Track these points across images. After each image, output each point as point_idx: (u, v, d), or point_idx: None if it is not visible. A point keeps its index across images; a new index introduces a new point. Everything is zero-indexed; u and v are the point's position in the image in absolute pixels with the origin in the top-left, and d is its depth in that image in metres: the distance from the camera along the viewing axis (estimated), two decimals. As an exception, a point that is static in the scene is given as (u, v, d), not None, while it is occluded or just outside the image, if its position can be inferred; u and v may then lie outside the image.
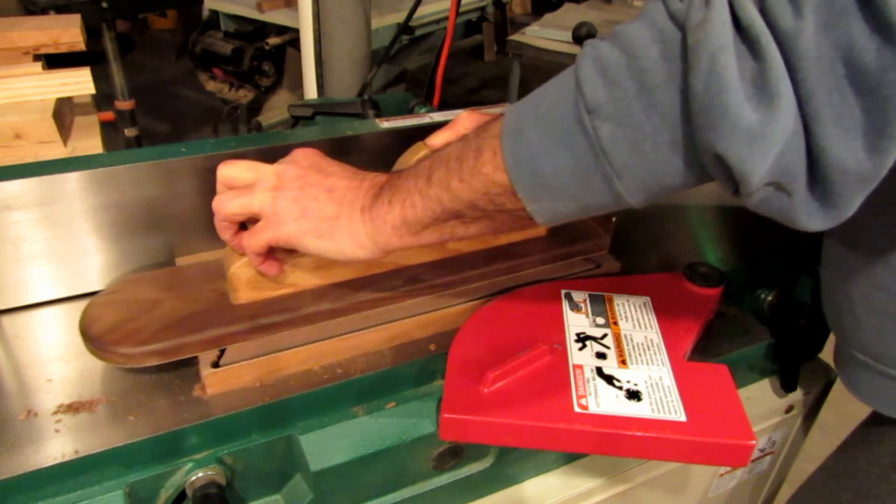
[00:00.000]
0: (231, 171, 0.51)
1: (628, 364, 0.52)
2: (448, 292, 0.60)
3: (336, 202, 0.49)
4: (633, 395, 0.49)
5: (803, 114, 0.33)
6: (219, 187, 0.52)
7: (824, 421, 0.81)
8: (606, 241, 0.68)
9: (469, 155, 0.44)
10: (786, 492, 0.89)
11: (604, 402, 0.48)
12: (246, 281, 0.55)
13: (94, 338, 0.52)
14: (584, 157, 0.39)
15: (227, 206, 0.51)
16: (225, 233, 0.53)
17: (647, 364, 0.52)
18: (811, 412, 0.78)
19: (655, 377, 0.50)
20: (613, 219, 0.66)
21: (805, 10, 0.31)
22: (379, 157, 0.66)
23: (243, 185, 0.51)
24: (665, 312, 0.58)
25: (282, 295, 0.56)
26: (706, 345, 0.62)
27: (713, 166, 0.36)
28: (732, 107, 0.33)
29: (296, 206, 0.49)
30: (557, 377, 0.50)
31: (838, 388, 0.65)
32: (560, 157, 0.40)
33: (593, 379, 0.50)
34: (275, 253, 0.54)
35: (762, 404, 0.70)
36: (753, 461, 0.77)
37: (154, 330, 0.52)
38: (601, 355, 0.53)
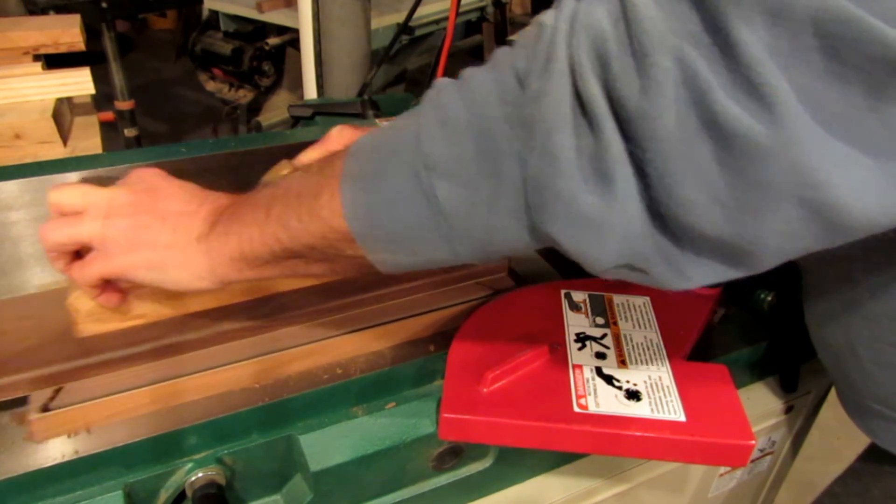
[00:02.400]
0: (60, 197, 0.47)
1: (628, 364, 0.52)
2: (324, 321, 0.55)
3: (170, 230, 0.45)
4: (633, 395, 0.49)
5: (654, 196, 0.30)
6: (51, 213, 0.48)
7: (824, 421, 0.81)
8: (504, 264, 0.63)
9: (308, 193, 0.41)
10: (786, 492, 0.89)
11: (603, 402, 0.48)
12: (86, 313, 0.49)
13: None
14: (420, 214, 0.37)
15: (52, 235, 0.46)
16: (56, 263, 0.48)
17: (647, 364, 0.52)
18: (811, 412, 0.78)
19: (655, 377, 0.50)
20: None
21: (655, 86, 0.28)
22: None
23: (74, 211, 0.47)
24: (665, 312, 0.58)
25: (133, 326, 0.51)
26: (706, 345, 0.62)
27: (554, 245, 0.34)
28: (566, 192, 0.31)
29: (126, 236, 0.45)
30: (557, 377, 0.50)
31: (838, 388, 0.65)
32: (397, 210, 0.37)
33: (593, 379, 0.50)
34: (117, 282, 0.49)
35: (762, 404, 0.70)
36: (753, 461, 0.77)
37: None
38: (601, 355, 0.52)
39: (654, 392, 0.49)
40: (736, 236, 0.30)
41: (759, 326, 0.66)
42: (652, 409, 0.47)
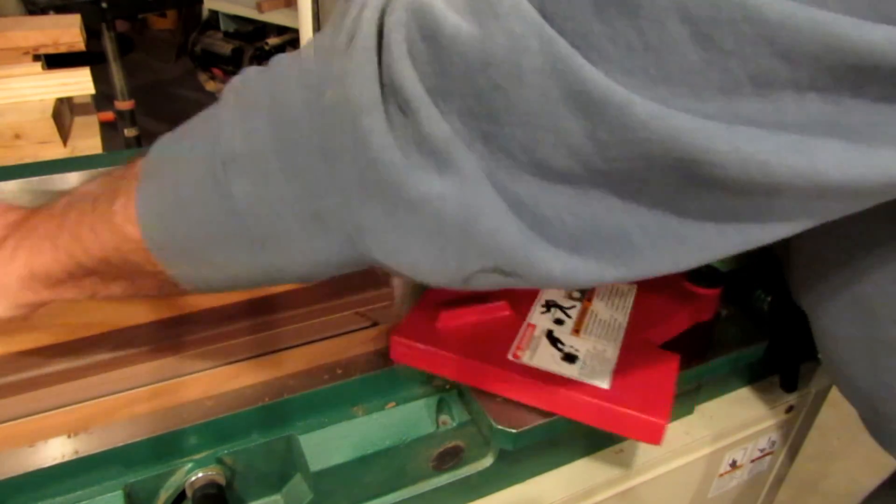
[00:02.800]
0: None
1: (580, 334, 0.54)
2: (172, 358, 0.50)
3: None
4: (570, 357, 0.51)
5: (514, 173, 0.27)
6: None
7: (824, 421, 0.81)
8: (390, 293, 0.57)
9: (105, 198, 0.35)
10: (786, 492, 0.89)
11: (539, 358, 0.50)
12: None
13: None
14: (218, 218, 0.31)
15: None
16: None
17: (599, 338, 0.54)
18: (811, 412, 0.78)
19: (600, 349, 0.52)
20: None
21: (508, 54, 0.24)
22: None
23: None
24: (651, 304, 0.59)
25: None
26: (705, 345, 0.62)
27: (378, 263, 0.30)
28: (393, 176, 0.26)
29: None
30: (507, 330, 0.53)
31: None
32: (193, 214, 0.32)
33: (540, 337, 0.53)
34: None
35: (762, 404, 0.70)
36: (753, 461, 0.77)
37: None
38: (559, 321, 0.55)
39: (591, 360, 0.51)
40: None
41: (759, 326, 0.66)
42: (580, 373, 0.49)
